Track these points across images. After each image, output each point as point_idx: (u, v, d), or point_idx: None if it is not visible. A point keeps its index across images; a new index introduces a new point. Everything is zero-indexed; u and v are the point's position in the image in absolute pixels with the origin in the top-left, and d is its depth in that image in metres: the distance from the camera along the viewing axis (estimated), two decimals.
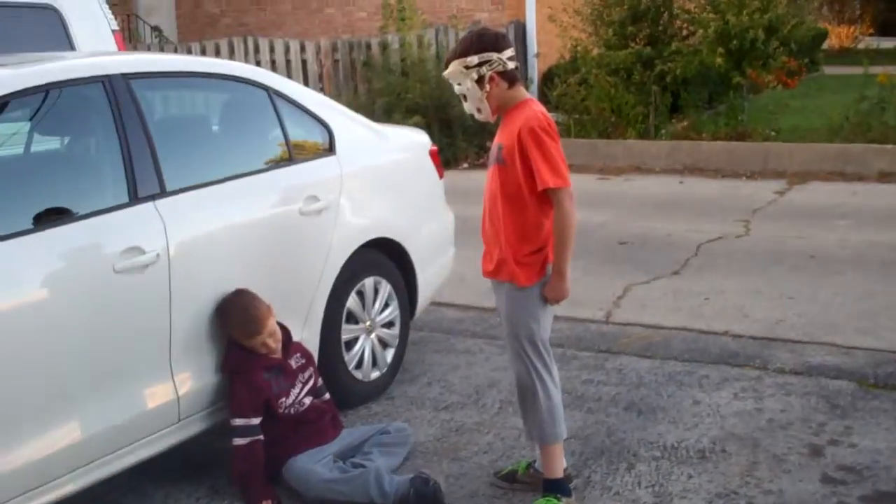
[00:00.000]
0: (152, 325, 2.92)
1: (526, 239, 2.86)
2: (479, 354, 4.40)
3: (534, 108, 2.86)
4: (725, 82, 10.09)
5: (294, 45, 11.48)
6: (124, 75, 3.05)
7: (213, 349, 3.12)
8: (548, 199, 2.81)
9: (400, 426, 3.40)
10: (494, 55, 2.83)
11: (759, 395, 3.79)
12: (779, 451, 3.29)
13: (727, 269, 5.64)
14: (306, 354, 3.34)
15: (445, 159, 7.04)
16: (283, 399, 3.13)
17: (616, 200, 7.87)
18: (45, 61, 3.05)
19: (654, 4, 10.23)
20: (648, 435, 3.46)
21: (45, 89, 2.87)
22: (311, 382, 3.26)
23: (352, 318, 3.77)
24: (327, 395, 3.38)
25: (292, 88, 3.76)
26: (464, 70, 2.85)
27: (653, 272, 5.62)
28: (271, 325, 3.14)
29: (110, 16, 5.31)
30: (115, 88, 3.00)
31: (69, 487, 2.70)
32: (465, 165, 9.78)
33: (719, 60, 9.53)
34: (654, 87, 9.81)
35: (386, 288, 3.94)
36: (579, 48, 10.43)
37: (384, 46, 11.11)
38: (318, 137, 3.79)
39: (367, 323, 3.86)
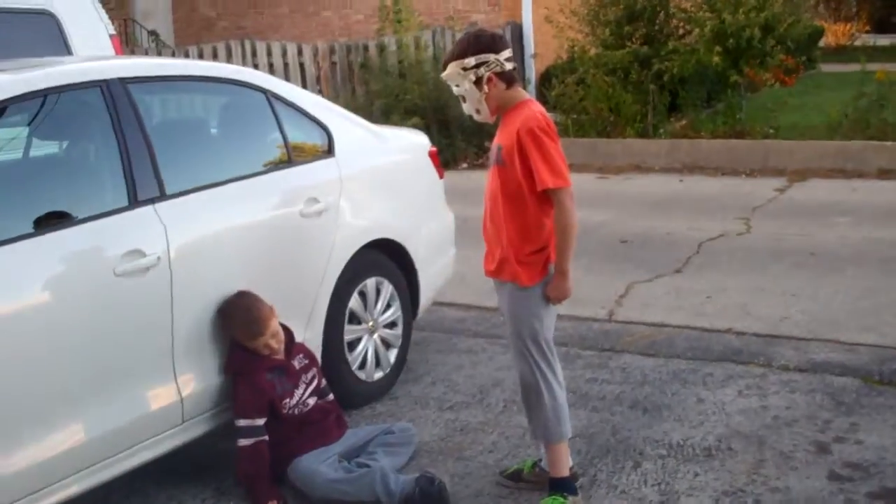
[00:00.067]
0: (154, 327, 2.91)
1: (527, 239, 2.86)
2: (482, 354, 4.39)
3: (532, 109, 2.86)
4: (723, 81, 10.09)
5: (291, 48, 11.47)
6: (122, 80, 3.05)
7: (215, 351, 3.11)
8: (548, 198, 2.80)
9: (404, 426, 3.40)
10: (492, 56, 2.83)
11: (763, 392, 3.78)
12: (785, 449, 3.28)
13: (729, 267, 5.63)
14: (309, 355, 3.33)
15: (444, 160, 7.02)
16: (287, 400, 3.12)
17: (616, 199, 7.86)
18: (42, 66, 3.04)
19: (650, 4, 10.24)
20: (654, 433, 3.45)
21: (44, 94, 2.86)
22: (314, 383, 3.25)
23: (354, 319, 3.76)
24: (331, 396, 3.37)
25: (290, 91, 3.76)
26: (461, 72, 2.85)
27: (655, 270, 5.61)
28: (274, 326, 3.13)
29: (107, 20, 5.30)
30: (113, 93, 3.00)
31: (73, 489, 2.69)
32: (465, 166, 9.77)
33: (716, 59, 9.53)
34: (652, 87, 9.81)
35: (388, 288, 3.93)
36: (576, 48, 10.43)
37: (381, 48, 11.11)
38: (317, 139, 3.79)
39: (370, 323, 3.85)
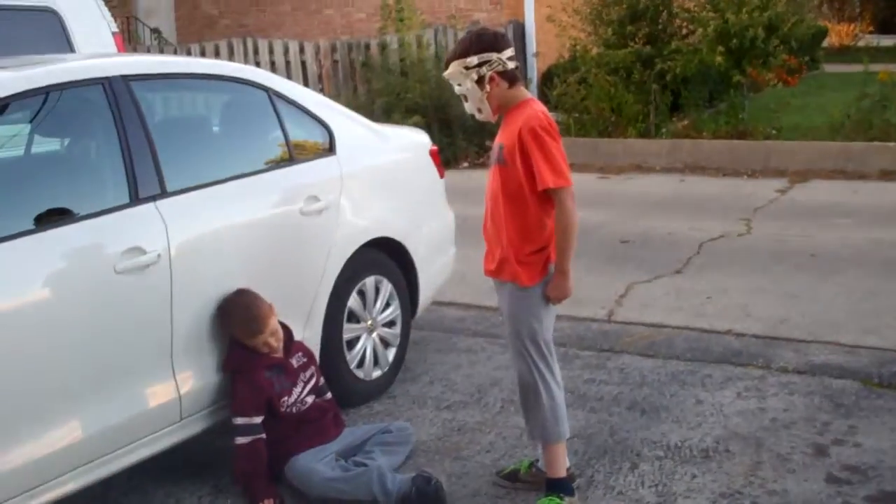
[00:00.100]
0: (154, 324, 2.92)
1: (528, 238, 2.86)
2: (480, 353, 4.39)
3: (534, 108, 2.86)
4: (725, 81, 10.08)
5: (293, 46, 11.48)
6: (124, 77, 3.06)
7: (214, 348, 3.12)
8: (549, 198, 2.80)
9: (402, 425, 3.40)
10: (494, 55, 2.83)
11: (762, 394, 3.78)
12: (783, 451, 3.28)
13: (729, 268, 5.63)
14: (308, 353, 3.33)
15: (445, 159, 7.04)
16: (285, 398, 3.13)
17: (617, 199, 7.86)
18: (45, 64, 3.05)
19: (653, 3, 10.21)
20: (652, 434, 3.45)
21: (46, 91, 2.87)
22: (312, 381, 3.26)
23: (353, 318, 3.77)
24: (329, 394, 3.37)
25: (292, 89, 3.76)
26: (464, 71, 2.85)
27: (655, 271, 5.61)
28: (273, 324, 3.14)
29: (109, 18, 5.31)
30: (116, 90, 3.00)
31: (70, 486, 2.69)
32: (465, 165, 9.77)
33: (719, 59, 9.52)
34: (654, 86, 9.80)
35: (387, 287, 3.93)
36: (578, 47, 10.42)
37: (383, 47, 11.11)
38: (319, 138, 3.79)
39: (369, 322, 3.86)
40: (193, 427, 3.08)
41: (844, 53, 18.98)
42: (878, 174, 8.26)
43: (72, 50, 4.87)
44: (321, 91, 10.58)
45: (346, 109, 4.09)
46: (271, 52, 11.45)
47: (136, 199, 2.94)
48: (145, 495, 3.15)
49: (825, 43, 19.49)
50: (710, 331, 4.57)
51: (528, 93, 2.98)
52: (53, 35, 4.85)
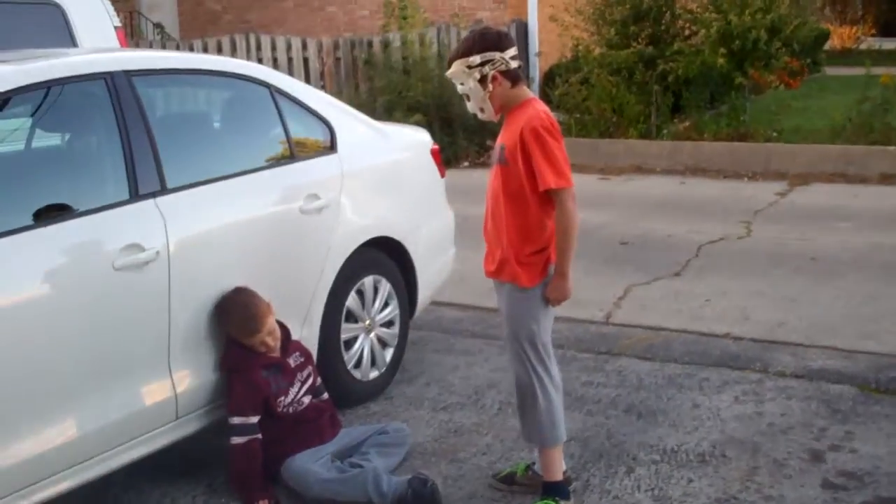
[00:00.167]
0: (151, 322, 2.91)
1: (528, 239, 2.85)
2: (478, 355, 4.39)
3: (536, 108, 2.85)
4: (727, 82, 10.06)
5: (296, 43, 11.46)
6: (126, 72, 3.05)
7: (211, 347, 3.11)
8: (550, 199, 2.80)
9: (398, 426, 3.39)
10: (497, 54, 2.82)
11: (759, 398, 3.78)
12: (779, 456, 3.28)
13: (728, 271, 5.63)
14: (305, 353, 3.33)
15: (446, 158, 7.03)
16: (282, 398, 3.12)
17: (617, 200, 7.85)
18: (47, 58, 3.04)
19: (657, 4, 10.20)
20: (648, 438, 3.45)
21: (48, 86, 2.87)
22: (309, 381, 3.25)
23: (351, 317, 3.76)
24: (326, 395, 3.37)
25: (294, 86, 3.75)
26: (466, 70, 2.84)
27: (653, 273, 5.61)
28: (271, 323, 3.13)
29: (112, 12, 5.30)
30: (118, 85, 3.00)
31: (66, 484, 2.69)
32: (466, 164, 9.76)
33: (721, 60, 9.50)
34: (656, 87, 9.79)
35: (386, 287, 3.93)
36: (581, 47, 10.40)
37: (386, 44, 11.09)
38: (320, 135, 3.78)
39: (367, 322, 3.85)
40: (189, 426, 3.07)
41: (846, 56, 18.95)
42: (879, 178, 8.26)
43: (74, 44, 4.86)
44: (323, 88, 10.57)
45: (347, 107, 4.08)
46: (274, 48, 11.43)
47: (135, 196, 2.94)
48: (141, 494, 3.14)
49: (827, 45, 19.45)
50: (709, 334, 4.57)
51: (531, 92, 2.97)
52: (56, 29, 4.84)
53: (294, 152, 3.63)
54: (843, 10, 24.28)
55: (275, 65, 11.02)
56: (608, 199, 7.89)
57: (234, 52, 11.29)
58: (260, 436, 3.05)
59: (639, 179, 8.86)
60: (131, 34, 13.47)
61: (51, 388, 2.64)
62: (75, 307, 2.70)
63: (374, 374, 3.88)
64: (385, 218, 3.94)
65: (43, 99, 2.91)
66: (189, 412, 3.05)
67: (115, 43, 5.15)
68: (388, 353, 3.98)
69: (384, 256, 3.93)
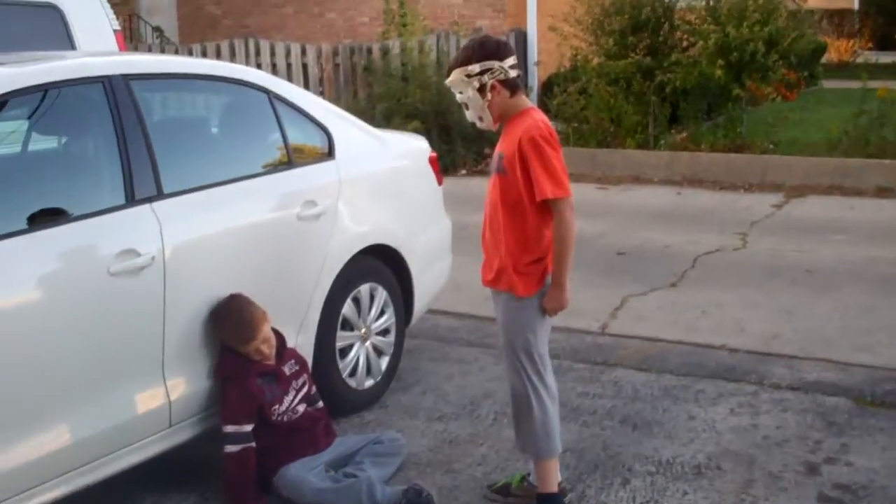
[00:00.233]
0: (145, 328, 2.90)
1: (526, 248, 2.84)
2: (474, 364, 4.37)
3: (535, 117, 2.85)
4: (725, 94, 10.08)
5: (295, 49, 11.46)
6: (125, 76, 3.04)
7: (206, 354, 3.09)
8: (548, 208, 2.79)
9: (393, 436, 3.38)
10: (496, 63, 2.82)
11: (755, 410, 3.77)
12: (774, 469, 3.27)
13: (724, 282, 5.62)
14: (300, 361, 3.31)
15: (444, 166, 7.00)
16: (277, 406, 3.10)
17: (614, 211, 7.86)
18: (45, 60, 3.03)
19: (655, 15, 10.22)
20: (644, 449, 3.44)
21: (45, 89, 2.85)
22: (304, 389, 3.24)
23: (347, 325, 3.75)
24: (321, 403, 3.34)
25: (293, 92, 3.75)
26: (465, 78, 2.84)
27: (650, 284, 5.60)
28: (266, 330, 3.11)
29: (112, 15, 5.29)
30: (115, 89, 2.99)
31: (58, 491, 2.67)
32: (464, 172, 9.76)
33: (719, 72, 9.53)
34: (654, 98, 9.81)
35: (382, 295, 3.91)
36: (579, 57, 10.43)
37: (385, 51, 11.10)
38: (318, 142, 3.77)
39: (363, 330, 3.84)
40: (182, 434, 3.05)
41: (843, 69, 19.01)
42: (875, 191, 8.28)
43: (73, 47, 4.85)
44: (322, 94, 10.57)
45: (346, 114, 4.07)
46: (273, 53, 11.43)
47: (131, 201, 2.92)
48: (133, 502, 3.12)
49: (824, 59, 19.51)
50: (704, 345, 4.56)
51: (530, 102, 2.97)
52: (55, 31, 4.82)
53: (292, 158, 3.62)
54: (840, 24, 24.37)
55: (274, 70, 11.02)
56: (605, 209, 7.89)
57: (233, 58, 11.28)
58: (254, 444, 3.03)
59: (636, 189, 8.87)
60: (130, 38, 13.46)
61: (43, 394, 2.62)
62: (70, 312, 2.68)
63: (369, 382, 3.86)
64: (382, 225, 3.93)
65: (40, 102, 2.90)
66: (183, 420, 3.03)
67: (114, 46, 5.14)
68: (384, 362, 3.96)
69: (381, 264, 3.92)
